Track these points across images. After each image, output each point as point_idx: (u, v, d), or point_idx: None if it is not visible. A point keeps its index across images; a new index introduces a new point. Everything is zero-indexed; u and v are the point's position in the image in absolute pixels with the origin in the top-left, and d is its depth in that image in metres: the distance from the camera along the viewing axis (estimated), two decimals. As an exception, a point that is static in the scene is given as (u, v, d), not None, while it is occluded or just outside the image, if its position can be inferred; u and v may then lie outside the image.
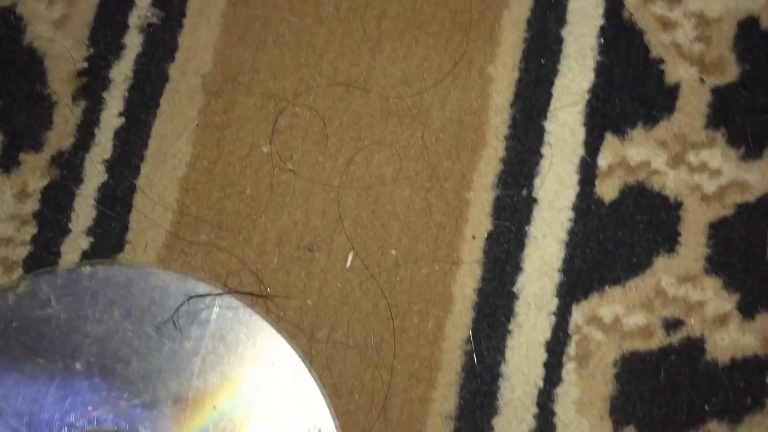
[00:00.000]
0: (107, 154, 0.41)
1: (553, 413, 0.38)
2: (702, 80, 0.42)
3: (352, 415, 0.38)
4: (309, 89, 0.42)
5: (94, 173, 0.41)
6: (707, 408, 0.38)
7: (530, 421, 0.38)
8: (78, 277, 0.37)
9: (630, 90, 0.42)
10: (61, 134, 0.41)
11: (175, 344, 0.36)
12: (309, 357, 0.38)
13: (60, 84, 0.42)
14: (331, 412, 0.36)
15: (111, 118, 0.42)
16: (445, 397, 0.38)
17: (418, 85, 0.42)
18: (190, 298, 0.37)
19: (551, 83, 0.42)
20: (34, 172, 0.41)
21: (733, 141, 0.41)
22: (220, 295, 0.37)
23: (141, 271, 0.37)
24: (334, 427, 0.35)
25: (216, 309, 0.36)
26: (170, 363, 0.36)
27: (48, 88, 0.42)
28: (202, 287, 0.37)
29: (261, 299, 0.39)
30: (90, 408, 0.35)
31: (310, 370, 0.36)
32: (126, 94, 0.42)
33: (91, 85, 0.42)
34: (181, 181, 0.41)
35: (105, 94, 0.42)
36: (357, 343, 0.39)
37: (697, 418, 0.38)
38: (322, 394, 0.36)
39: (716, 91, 0.41)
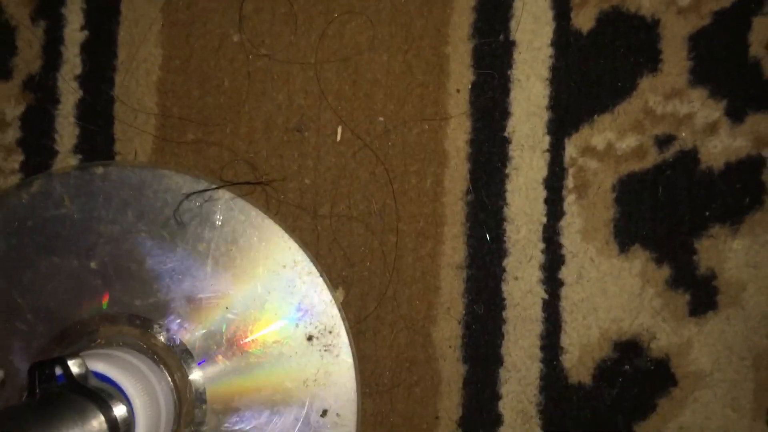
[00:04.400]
0: (78, 70, 0.40)
1: (560, 246, 0.39)
2: None
3: (367, 281, 0.39)
4: (268, -31, 0.41)
5: (69, 91, 0.40)
6: (708, 214, 0.39)
7: (539, 257, 0.39)
8: (91, 178, 0.36)
9: None
10: (27, 58, 0.41)
11: (188, 246, 0.36)
12: (315, 234, 0.39)
13: (15, 7, 0.41)
14: (341, 315, 0.36)
15: (74, 33, 0.41)
16: (454, 249, 0.39)
17: (378, -54, 0.41)
18: (189, 195, 0.36)
19: None
20: (9, 101, 0.40)
21: (703, -49, 0.40)
22: (215, 189, 0.37)
23: (154, 172, 0.36)
24: (344, 329, 0.36)
25: (225, 208, 0.36)
26: (183, 264, 0.36)
27: (4, 13, 0.41)
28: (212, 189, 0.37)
29: (259, 186, 0.39)
30: (105, 306, 0.36)
31: (321, 274, 0.36)
32: (84, 6, 0.41)
33: (47, 2, 0.41)
34: (157, 84, 0.40)
35: (63, 10, 0.41)
36: (360, 212, 0.39)
37: (699, 226, 0.39)
38: (334, 298, 0.36)
39: None
